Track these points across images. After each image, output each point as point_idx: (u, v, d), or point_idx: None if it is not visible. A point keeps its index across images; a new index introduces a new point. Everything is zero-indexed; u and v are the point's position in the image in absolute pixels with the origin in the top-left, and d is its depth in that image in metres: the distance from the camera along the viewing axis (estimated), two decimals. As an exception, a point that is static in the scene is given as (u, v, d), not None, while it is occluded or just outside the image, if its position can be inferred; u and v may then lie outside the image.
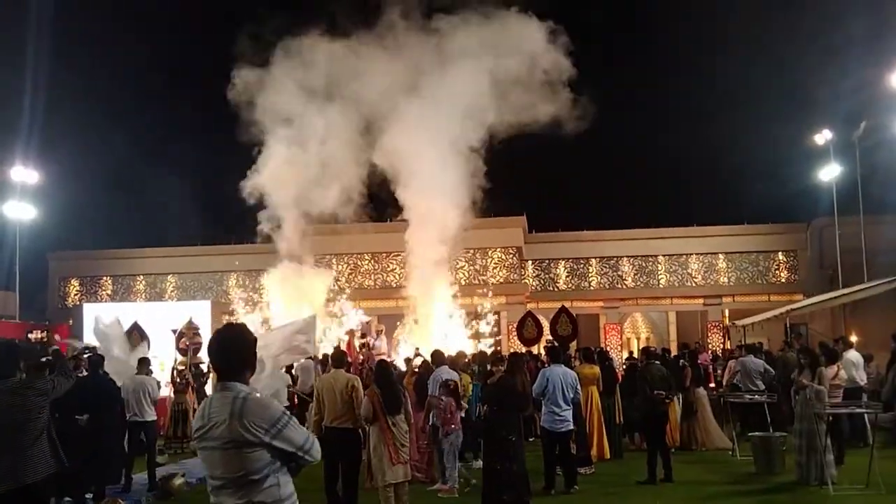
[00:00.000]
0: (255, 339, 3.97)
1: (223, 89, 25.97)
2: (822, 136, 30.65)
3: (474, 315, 26.00)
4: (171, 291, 35.87)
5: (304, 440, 3.85)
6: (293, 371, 18.65)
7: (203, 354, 20.75)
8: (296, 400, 18.81)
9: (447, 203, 23.98)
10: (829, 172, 30.69)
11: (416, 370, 15.22)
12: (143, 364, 13.17)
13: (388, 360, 15.55)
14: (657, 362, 13.40)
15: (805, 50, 35.04)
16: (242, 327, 4.03)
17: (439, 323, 24.62)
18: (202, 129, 46.71)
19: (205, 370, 20.27)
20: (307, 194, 25.66)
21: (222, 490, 3.76)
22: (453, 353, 15.78)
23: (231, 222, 37.16)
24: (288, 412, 3.89)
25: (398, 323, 26.86)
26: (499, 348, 25.29)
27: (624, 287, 35.22)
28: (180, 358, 19.73)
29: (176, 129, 46.11)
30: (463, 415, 12.97)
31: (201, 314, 22.41)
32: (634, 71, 49.48)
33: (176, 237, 36.26)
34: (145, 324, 17.91)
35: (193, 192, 37.46)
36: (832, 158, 30.58)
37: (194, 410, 17.84)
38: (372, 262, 34.51)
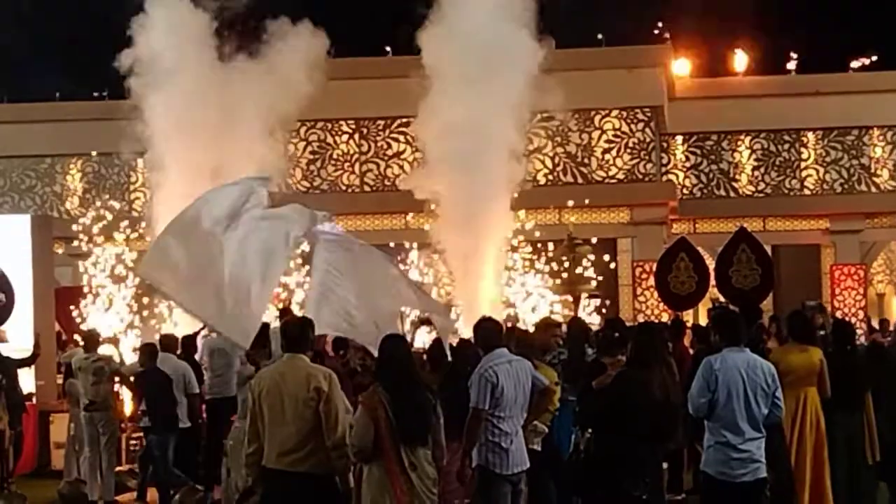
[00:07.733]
0: None
1: None
2: None
3: (566, 246, 16.52)
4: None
5: None
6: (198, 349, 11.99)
7: (7, 326, 13.12)
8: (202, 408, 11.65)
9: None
10: None
11: (425, 350, 9.61)
12: None
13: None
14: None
15: None
16: None
17: (490, 262, 14.71)
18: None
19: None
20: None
21: None
22: (522, 324, 11.99)
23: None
24: None
25: (402, 258, 15.91)
26: (613, 314, 16.50)
27: (873, 188, 22.16)
28: None
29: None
30: (537, 447, 8.00)
31: (13, 237, 14.16)
32: None
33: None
34: None
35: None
36: None
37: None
38: (356, 134, 21.76)
